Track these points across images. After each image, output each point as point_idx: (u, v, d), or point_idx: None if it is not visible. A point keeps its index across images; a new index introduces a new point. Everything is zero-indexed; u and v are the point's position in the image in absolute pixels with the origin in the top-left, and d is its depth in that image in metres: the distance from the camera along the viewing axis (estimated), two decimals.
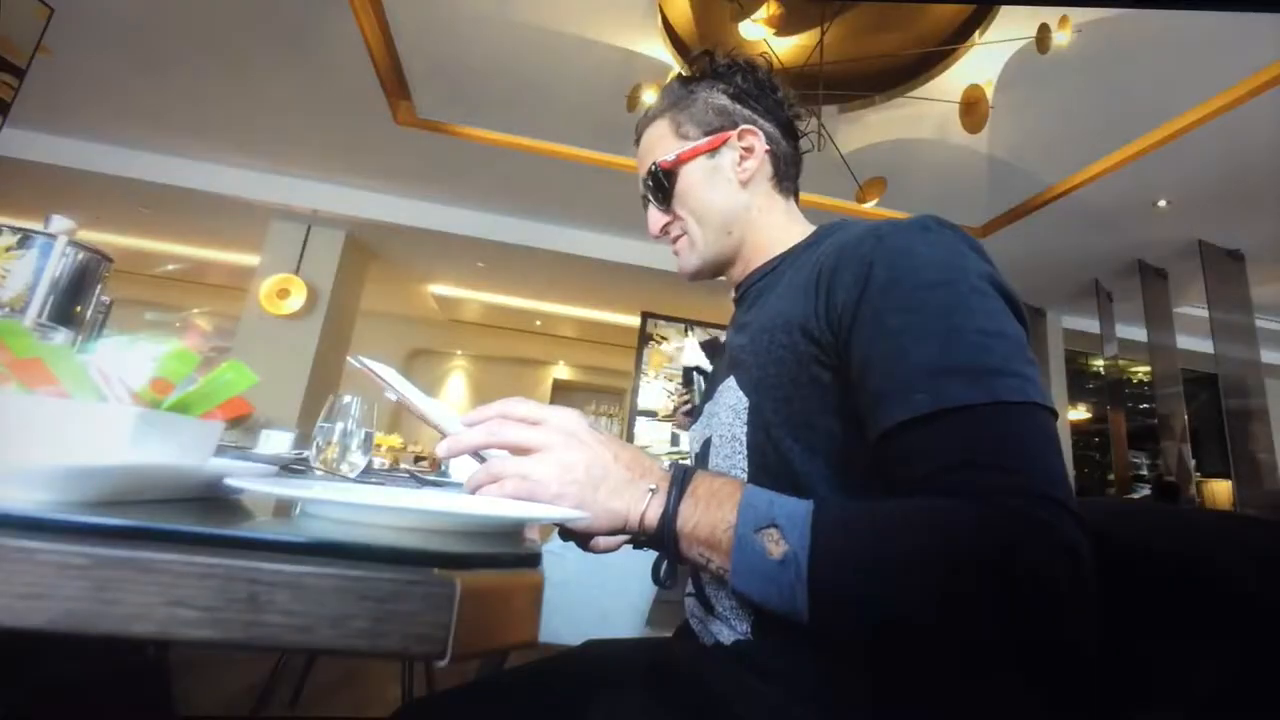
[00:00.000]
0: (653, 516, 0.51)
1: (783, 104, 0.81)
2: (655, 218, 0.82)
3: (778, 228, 0.79)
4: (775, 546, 0.47)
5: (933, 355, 0.50)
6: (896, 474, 0.50)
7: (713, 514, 0.50)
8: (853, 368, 0.56)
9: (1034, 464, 0.46)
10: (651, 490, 0.52)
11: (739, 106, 0.79)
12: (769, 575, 0.46)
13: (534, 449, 0.52)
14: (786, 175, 0.81)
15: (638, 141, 0.84)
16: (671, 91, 0.82)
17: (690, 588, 0.72)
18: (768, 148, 0.78)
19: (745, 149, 0.78)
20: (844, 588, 0.45)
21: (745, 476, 0.63)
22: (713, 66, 0.81)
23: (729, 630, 0.62)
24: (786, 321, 0.62)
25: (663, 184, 0.79)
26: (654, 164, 0.79)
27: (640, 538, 0.54)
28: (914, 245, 0.56)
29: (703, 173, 0.78)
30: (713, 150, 0.78)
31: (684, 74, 0.82)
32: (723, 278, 0.83)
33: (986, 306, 0.53)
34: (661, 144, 0.80)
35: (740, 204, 0.78)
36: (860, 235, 0.60)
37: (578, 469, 0.51)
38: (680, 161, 0.78)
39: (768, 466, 0.61)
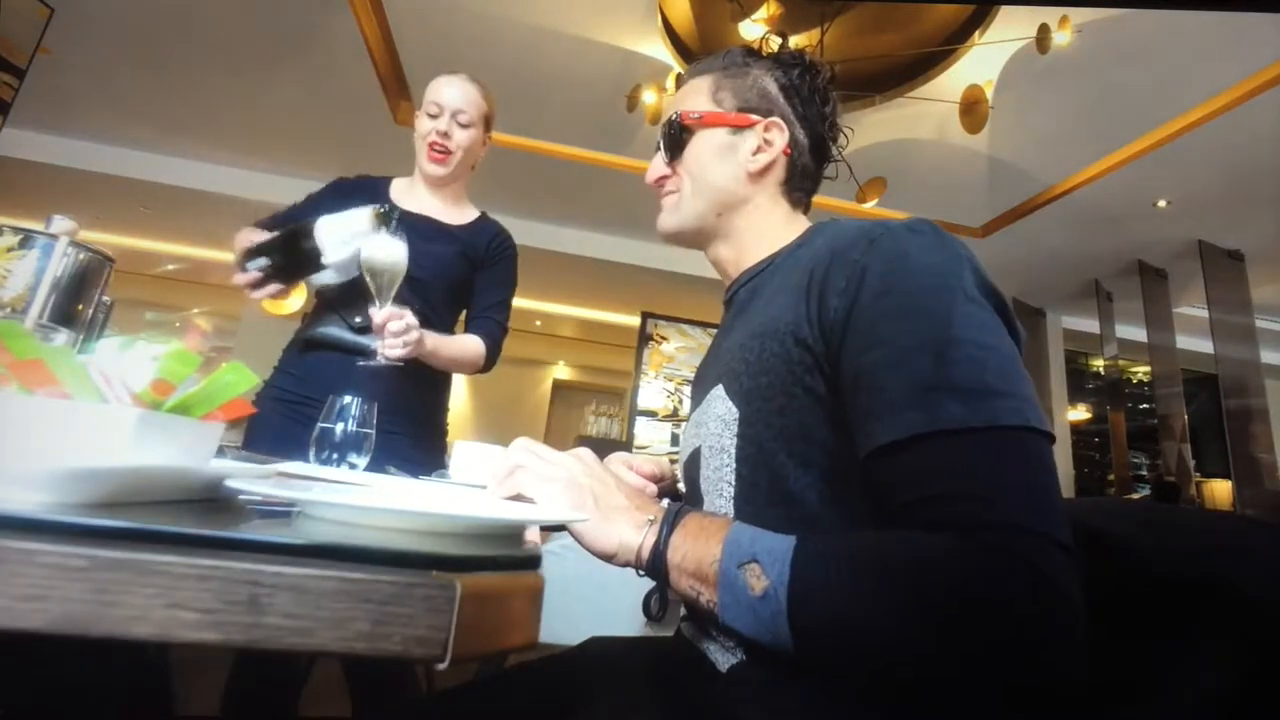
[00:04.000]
0: (648, 546, 0.53)
1: (826, 119, 0.78)
2: (657, 167, 0.81)
3: (774, 229, 0.77)
4: (757, 582, 0.47)
5: (926, 369, 0.49)
6: (883, 494, 0.50)
7: (700, 548, 0.51)
8: (843, 377, 0.55)
9: (1023, 495, 0.45)
10: (650, 521, 0.54)
11: (783, 100, 0.76)
12: (753, 609, 0.47)
13: (549, 480, 0.56)
14: (799, 186, 0.79)
15: (678, 87, 0.83)
16: (730, 56, 0.79)
17: (684, 610, 0.72)
18: (787, 150, 0.76)
19: (766, 141, 0.75)
20: (823, 622, 0.46)
21: (733, 490, 0.62)
22: (779, 52, 0.79)
23: (725, 656, 0.60)
24: (777, 328, 0.61)
25: (678, 137, 0.78)
26: (676, 114, 0.78)
27: (637, 568, 0.56)
28: (907, 249, 0.55)
29: (717, 145, 0.76)
30: (737, 128, 0.76)
31: (750, 47, 0.80)
32: (718, 277, 0.82)
33: (981, 317, 0.52)
34: (694, 98, 0.79)
35: (740, 193, 0.76)
36: (853, 239, 0.58)
37: (585, 491, 0.55)
38: (702, 123, 0.77)
39: (758, 481, 0.60)
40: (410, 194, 1.50)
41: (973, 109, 3.05)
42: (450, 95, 1.41)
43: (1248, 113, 3.29)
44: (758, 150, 0.75)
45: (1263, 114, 3.27)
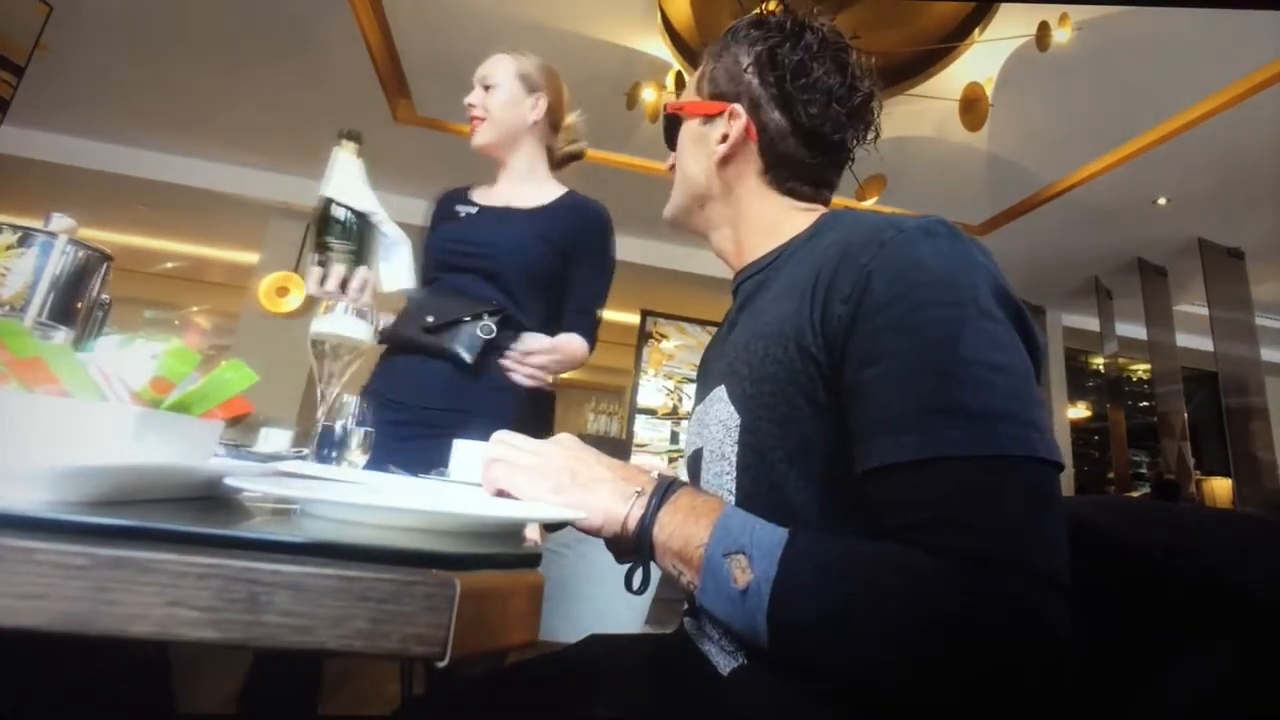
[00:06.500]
0: (634, 519, 0.52)
1: (811, 93, 0.68)
2: (669, 154, 0.80)
3: (771, 218, 0.72)
4: (741, 574, 0.47)
5: (929, 390, 0.47)
6: (878, 513, 0.49)
7: (688, 528, 0.50)
8: (844, 389, 0.53)
9: (1021, 530, 0.44)
10: (638, 493, 0.53)
11: (754, 80, 0.70)
12: (733, 600, 0.47)
13: (521, 470, 0.56)
14: (787, 176, 0.72)
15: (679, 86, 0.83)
16: (727, 35, 0.74)
17: (686, 605, 0.70)
18: (753, 138, 0.70)
19: (727, 130, 0.71)
20: (802, 628, 0.45)
21: (733, 498, 0.60)
22: (764, 22, 0.71)
23: (726, 659, 0.59)
24: (781, 332, 0.58)
25: (669, 129, 0.78)
26: (666, 104, 0.78)
27: (621, 543, 0.55)
28: (920, 256, 0.52)
29: (691, 136, 0.75)
30: (706, 117, 0.73)
31: (755, 18, 0.74)
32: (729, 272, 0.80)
33: (995, 334, 0.49)
34: (688, 87, 0.77)
35: (712, 184, 0.73)
36: (864, 239, 0.55)
37: (561, 471, 0.55)
38: (682, 113, 0.76)
39: (758, 490, 0.58)
40: (488, 189, 1.50)
41: (972, 106, 3.05)
42: (478, 71, 1.43)
43: (1247, 110, 3.28)
44: (722, 138, 0.71)
45: (1263, 111, 3.27)
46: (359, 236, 1.09)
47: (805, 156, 0.71)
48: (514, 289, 1.34)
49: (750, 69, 0.70)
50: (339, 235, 1.08)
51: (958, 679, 0.42)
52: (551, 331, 1.38)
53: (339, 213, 1.06)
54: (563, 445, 0.59)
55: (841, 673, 0.45)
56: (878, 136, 0.75)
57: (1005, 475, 0.45)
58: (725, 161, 0.72)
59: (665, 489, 0.53)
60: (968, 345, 0.48)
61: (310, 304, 1.50)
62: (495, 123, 1.40)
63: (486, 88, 1.40)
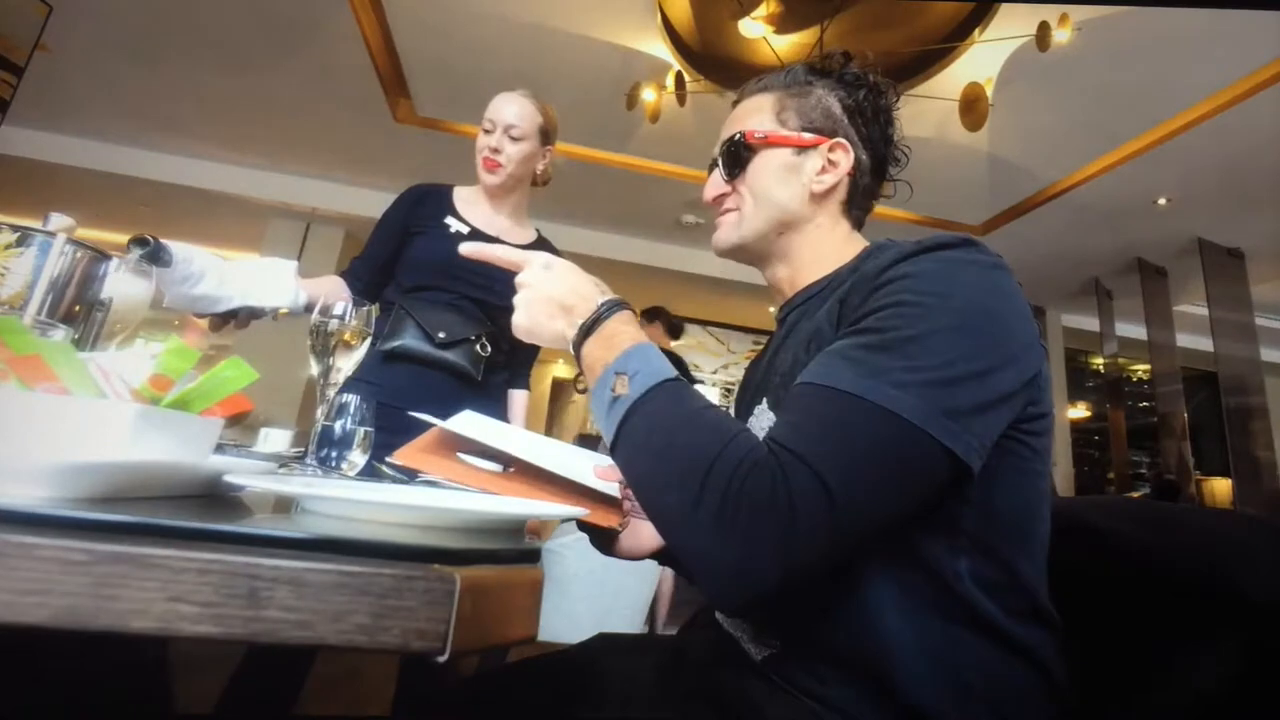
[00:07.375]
0: (573, 344, 0.63)
1: (889, 140, 0.79)
2: (715, 184, 0.80)
3: (832, 249, 0.76)
4: (619, 389, 0.57)
5: (869, 347, 0.53)
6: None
7: (602, 352, 0.60)
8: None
9: (826, 445, 0.49)
10: (580, 323, 0.63)
11: (846, 120, 0.76)
12: (606, 405, 0.58)
13: (521, 302, 0.67)
14: (858, 205, 0.79)
15: (736, 103, 0.82)
16: (792, 74, 0.79)
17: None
18: (852, 171, 0.76)
19: (831, 162, 0.75)
20: (634, 439, 0.55)
21: None
22: (843, 71, 0.78)
23: (759, 648, 0.63)
24: (810, 341, 0.64)
25: (738, 156, 0.77)
26: (739, 133, 0.77)
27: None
28: (923, 268, 0.57)
29: (781, 165, 0.76)
30: (801, 148, 0.76)
31: (812, 64, 0.80)
32: (764, 282, 0.82)
33: (952, 340, 0.53)
34: (756, 117, 0.78)
35: (802, 213, 0.76)
36: (887, 260, 0.59)
37: (535, 305, 0.66)
38: (766, 143, 0.76)
39: None
40: (475, 206, 1.55)
41: (973, 107, 3.05)
42: (502, 111, 1.49)
43: (1248, 110, 3.28)
44: (822, 171, 0.75)
45: (1263, 111, 3.27)
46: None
47: (874, 189, 0.80)
48: (496, 318, 1.46)
49: (845, 111, 0.77)
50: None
51: (710, 506, 0.48)
52: (509, 360, 1.56)
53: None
54: (550, 271, 0.66)
55: (641, 486, 0.54)
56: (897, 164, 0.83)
57: (862, 416, 0.49)
58: (824, 193, 0.76)
59: (593, 323, 0.62)
60: (931, 334, 0.52)
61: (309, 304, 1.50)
62: (511, 172, 1.49)
63: (512, 137, 1.47)
